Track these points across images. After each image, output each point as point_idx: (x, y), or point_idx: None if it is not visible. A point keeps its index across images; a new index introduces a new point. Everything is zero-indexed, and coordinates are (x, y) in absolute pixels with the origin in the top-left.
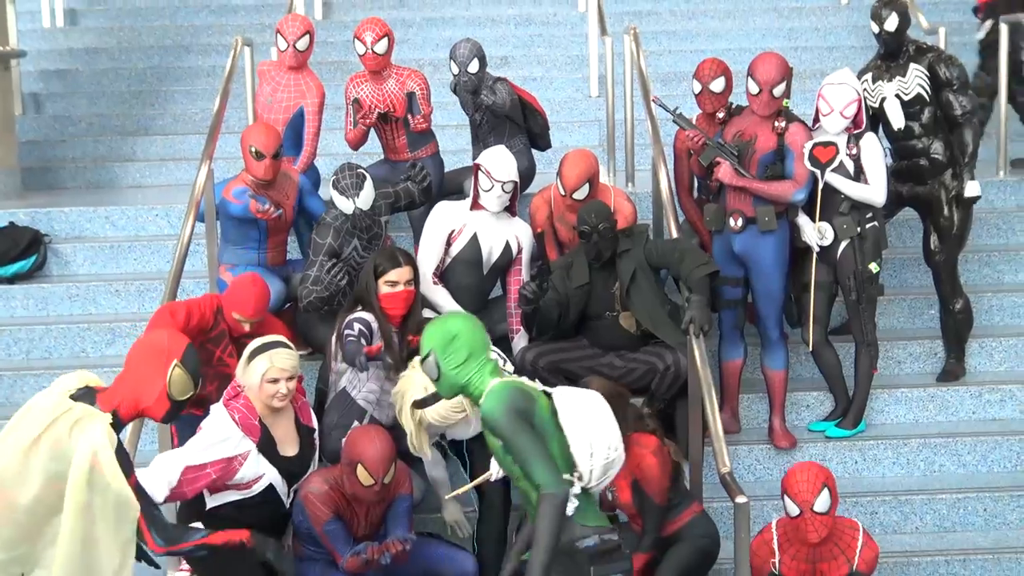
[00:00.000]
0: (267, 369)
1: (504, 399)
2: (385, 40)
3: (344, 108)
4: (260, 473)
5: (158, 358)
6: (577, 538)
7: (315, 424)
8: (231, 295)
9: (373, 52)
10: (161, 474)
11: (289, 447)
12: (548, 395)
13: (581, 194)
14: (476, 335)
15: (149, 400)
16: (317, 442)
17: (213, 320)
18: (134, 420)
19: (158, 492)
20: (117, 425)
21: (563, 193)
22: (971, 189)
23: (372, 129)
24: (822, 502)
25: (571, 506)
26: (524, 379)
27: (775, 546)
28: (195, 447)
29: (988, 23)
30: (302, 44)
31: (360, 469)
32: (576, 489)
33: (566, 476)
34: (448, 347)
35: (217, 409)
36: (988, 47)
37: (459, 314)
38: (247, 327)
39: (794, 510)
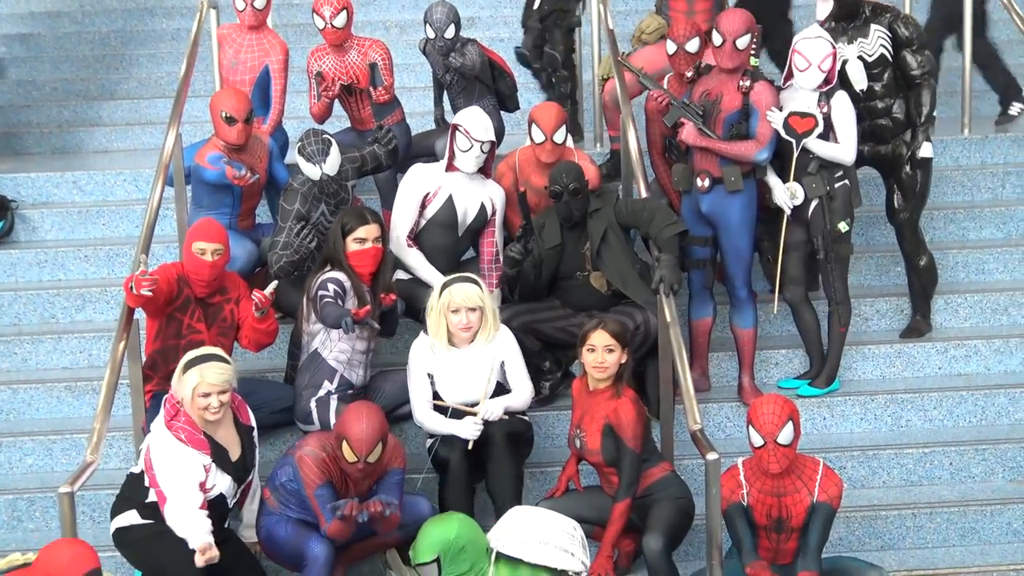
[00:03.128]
0: (197, 383)
1: None
2: (344, 13)
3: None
4: (214, 484)
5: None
6: None
7: (253, 422)
8: (193, 231)
9: (332, 26)
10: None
11: (234, 450)
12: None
13: (560, 136)
14: (479, 542)
15: None
16: (256, 439)
17: (177, 288)
18: None
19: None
20: None
21: (542, 139)
22: (925, 150)
23: (337, 101)
24: (785, 434)
25: None
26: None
27: (741, 479)
28: (169, 479)
29: None
30: (260, 3)
31: (345, 445)
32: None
33: None
34: (456, 557)
35: (160, 435)
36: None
37: (460, 520)
38: (208, 258)
39: (758, 440)
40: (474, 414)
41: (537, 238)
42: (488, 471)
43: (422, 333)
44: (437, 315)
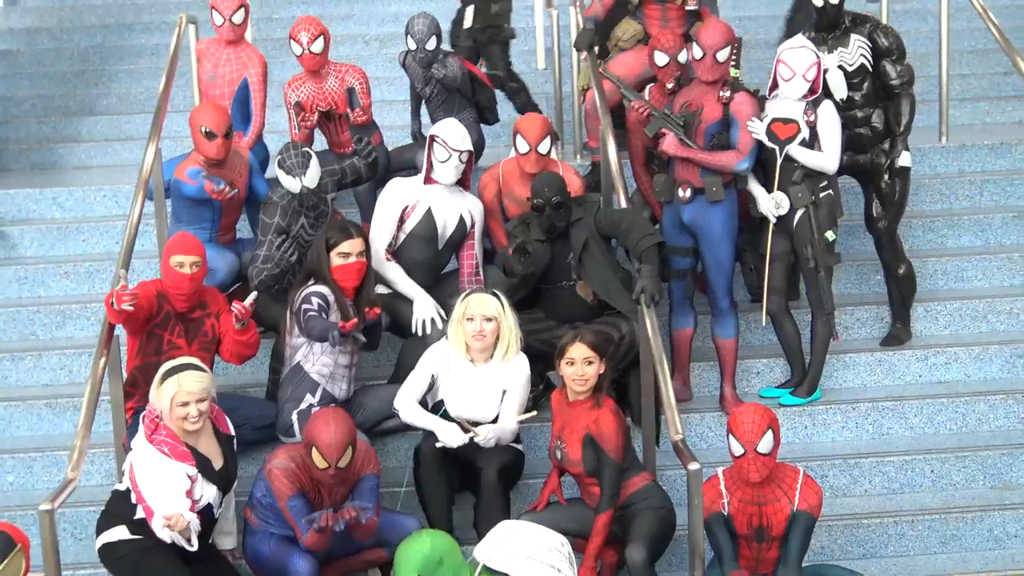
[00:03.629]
0: (175, 393)
1: None
2: (321, 39)
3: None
4: (201, 494)
5: None
6: None
7: (232, 430)
8: (170, 245)
9: (310, 52)
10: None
11: (217, 460)
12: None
13: (544, 147)
14: (455, 553)
15: None
16: (235, 447)
17: (157, 304)
18: None
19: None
20: None
21: (526, 150)
22: (904, 159)
23: (316, 126)
24: (765, 443)
25: None
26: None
27: (722, 489)
28: (155, 493)
29: None
30: (238, 18)
31: (315, 452)
32: None
33: None
34: (435, 571)
35: (142, 450)
36: None
37: (432, 535)
38: (187, 270)
39: (738, 449)
40: (474, 434)
41: (525, 229)
42: (478, 509)
43: (444, 339)
44: (456, 324)
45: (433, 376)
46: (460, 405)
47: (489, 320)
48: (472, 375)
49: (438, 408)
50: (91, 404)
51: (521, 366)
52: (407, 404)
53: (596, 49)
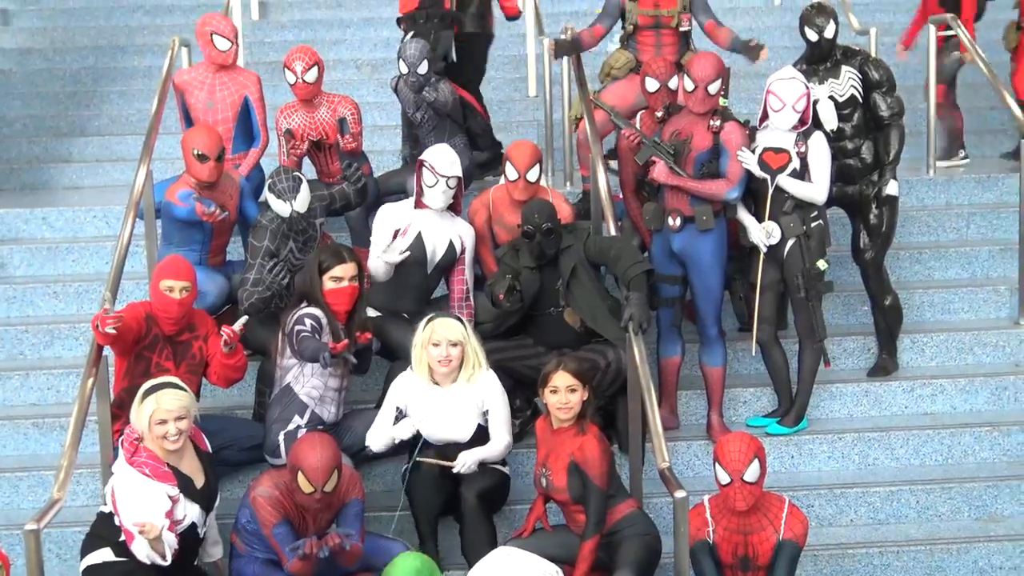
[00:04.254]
0: (153, 411)
1: None
2: (315, 69)
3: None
4: (185, 514)
5: None
6: None
7: (209, 447)
8: (160, 268)
9: (304, 81)
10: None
11: (199, 479)
12: None
13: (533, 175)
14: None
15: None
16: (214, 464)
17: (145, 327)
18: None
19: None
20: None
21: (516, 177)
22: (891, 188)
23: (306, 155)
24: (752, 472)
25: None
26: None
27: (708, 517)
28: (134, 515)
29: None
30: (228, 46)
31: (300, 476)
32: None
33: None
34: None
35: (123, 473)
36: None
37: (423, 556)
38: (176, 295)
39: (724, 478)
40: (450, 468)
41: (514, 256)
42: (462, 535)
43: (409, 368)
44: (420, 349)
45: (399, 409)
46: (435, 429)
47: (455, 345)
48: (441, 398)
49: (418, 439)
50: (78, 425)
51: (492, 383)
52: (373, 437)
53: (579, 67)
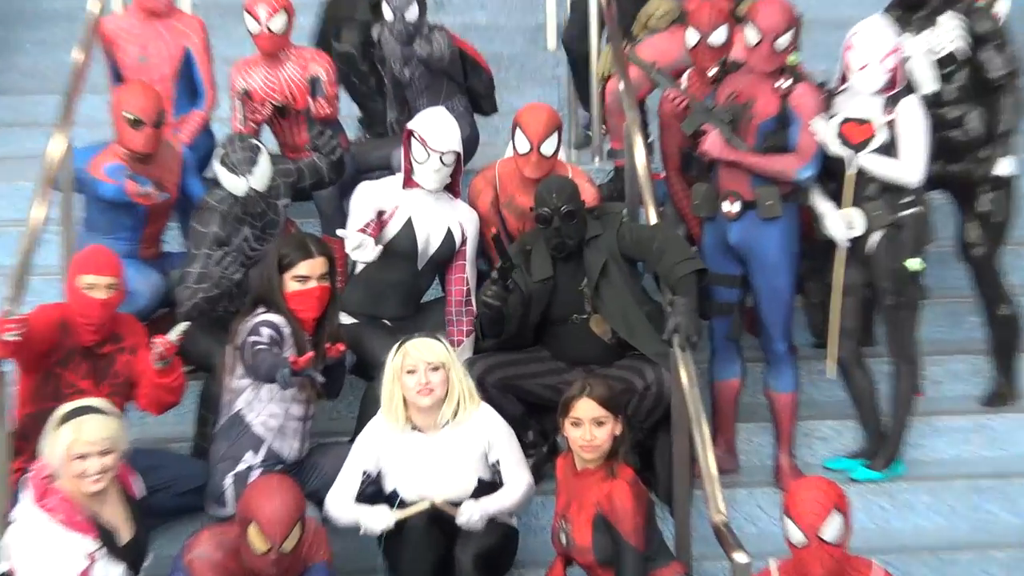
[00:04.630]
0: (71, 442)
1: None
2: (282, 15)
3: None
4: None
5: None
6: None
7: (140, 493)
8: (79, 261)
9: (268, 31)
10: None
11: (125, 531)
12: None
13: (549, 147)
14: None
15: None
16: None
17: (58, 335)
18: None
19: None
20: None
21: (527, 149)
22: (1006, 167)
23: (267, 124)
24: (832, 529)
25: None
26: None
27: None
28: (35, 573)
29: None
30: None
31: (253, 531)
32: None
33: None
34: None
35: (28, 519)
36: None
37: None
38: (100, 295)
39: (798, 537)
40: (455, 515)
41: (522, 271)
42: None
43: (378, 414)
44: (391, 384)
45: (366, 472)
46: (422, 490)
47: (436, 369)
48: (425, 448)
49: (393, 499)
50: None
51: (490, 417)
52: (336, 505)
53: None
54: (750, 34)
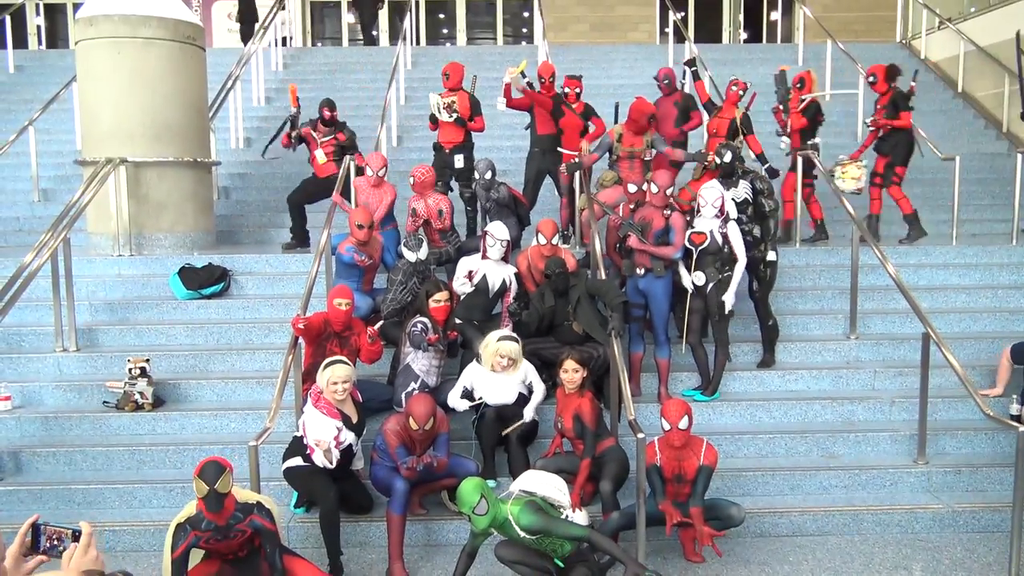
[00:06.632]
0: (330, 376)
1: (529, 511)
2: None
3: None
4: (346, 438)
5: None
6: None
7: (361, 400)
8: (333, 292)
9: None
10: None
11: (355, 417)
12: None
13: (555, 241)
14: (491, 494)
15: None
16: (363, 410)
17: (323, 327)
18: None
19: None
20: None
21: (544, 241)
22: (771, 256)
23: (422, 227)
24: (684, 423)
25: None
26: (513, 498)
27: (656, 450)
28: (315, 434)
29: None
30: (381, 172)
31: (411, 419)
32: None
33: (567, 514)
34: (490, 497)
35: (310, 411)
36: None
37: (474, 479)
38: (343, 308)
39: (666, 426)
40: (522, 423)
41: (539, 302)
42: (510, 457)
43: (475, 361)
44: (490, 354)
45: (466, 387)
46: (493, 397)
47: (513, 360)
48: (497, 379)
49: (479, 404)
50: (282, 383)
51: (529, 366)
52: (453, 400)
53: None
54: (653, 188)
